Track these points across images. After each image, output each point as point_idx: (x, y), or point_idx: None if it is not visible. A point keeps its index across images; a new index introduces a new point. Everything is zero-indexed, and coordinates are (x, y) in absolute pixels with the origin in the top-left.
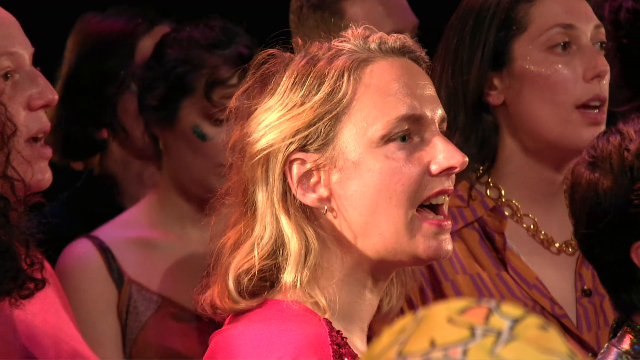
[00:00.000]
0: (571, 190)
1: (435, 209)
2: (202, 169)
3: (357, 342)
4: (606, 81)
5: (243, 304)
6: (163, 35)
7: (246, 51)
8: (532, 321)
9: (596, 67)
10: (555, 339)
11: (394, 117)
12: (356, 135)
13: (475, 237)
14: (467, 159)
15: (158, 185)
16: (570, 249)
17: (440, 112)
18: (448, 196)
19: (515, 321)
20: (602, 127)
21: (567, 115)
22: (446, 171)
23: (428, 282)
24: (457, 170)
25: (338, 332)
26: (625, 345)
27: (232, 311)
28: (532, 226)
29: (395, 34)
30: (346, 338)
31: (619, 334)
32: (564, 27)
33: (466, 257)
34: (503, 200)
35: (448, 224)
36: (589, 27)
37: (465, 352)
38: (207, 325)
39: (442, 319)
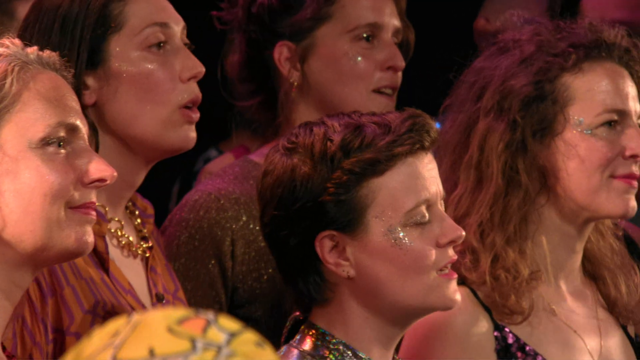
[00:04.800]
0: (263, 174)
1: None
2: None
3: None
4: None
5: None
6: None
7: None
8: (248, 337)
9: (193, 68)
10: (270, 356)
11: (54, 122)
12: (17, 134)
13: None
14: (116, 174)
15: None
16: (142, 253)
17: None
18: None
19: (232, 335)
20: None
21: (167, 115)
22: (97, 182)
23: (48, 288)
24: (107, 182)
25: None
26: (307, 346)
27: None
28: (118, 230)
29: (48, 52)
30: None
31: (299, 336)
32: (160, 26)
33: (81, 262)
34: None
35: (94, 213)
36: (180, 27)
37: None
38: None
39: (161, 328)
